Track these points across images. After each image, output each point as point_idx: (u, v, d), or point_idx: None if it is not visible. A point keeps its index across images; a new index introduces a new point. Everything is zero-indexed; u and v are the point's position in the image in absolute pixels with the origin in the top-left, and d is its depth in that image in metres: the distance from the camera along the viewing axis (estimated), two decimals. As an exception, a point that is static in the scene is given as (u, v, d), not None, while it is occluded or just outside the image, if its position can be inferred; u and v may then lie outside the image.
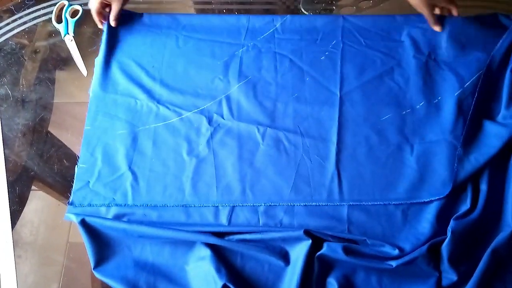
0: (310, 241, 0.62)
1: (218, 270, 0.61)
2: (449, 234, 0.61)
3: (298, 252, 0.63)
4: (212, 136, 0.73)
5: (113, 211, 0.69)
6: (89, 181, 0.71)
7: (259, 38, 0.81)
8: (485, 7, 0.83)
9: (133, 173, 0.71)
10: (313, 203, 0.68)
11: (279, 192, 0.69)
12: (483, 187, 0.65)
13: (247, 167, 0.71)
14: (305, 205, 0.68)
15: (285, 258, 0.64)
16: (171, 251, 0.66)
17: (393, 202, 0.67)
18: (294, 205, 0.68)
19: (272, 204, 0.68)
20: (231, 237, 0.65)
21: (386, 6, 0.87)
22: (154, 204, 0.69)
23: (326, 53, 0.79)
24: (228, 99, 0.76)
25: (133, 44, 0.82)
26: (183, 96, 0.77)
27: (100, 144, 0.74)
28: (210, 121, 0.75)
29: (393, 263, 0.61)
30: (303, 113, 0.74)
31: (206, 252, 0.63)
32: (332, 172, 0.69)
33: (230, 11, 0.88)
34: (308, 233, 0.63)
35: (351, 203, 0.67)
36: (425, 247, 0.61)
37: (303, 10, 0.87)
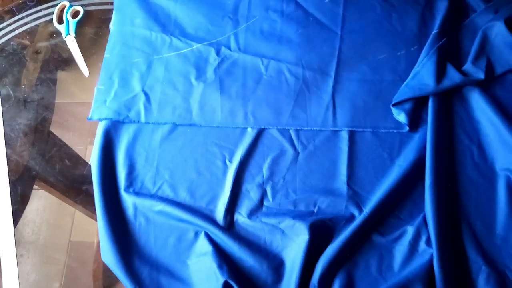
0: (307, 236, 0.62)
1: (220, 267, 0.62)
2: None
3: (296, 250, 0.63)
4: (219, 65, 0.79)
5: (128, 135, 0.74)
6: (106, 100, 0.77)
7: None
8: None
9: (146, 95, 0.78)
10: (308, 128, 0.73)
11: (278, 117, 0.74)
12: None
13: (249, 94, 0.77)
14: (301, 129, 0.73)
15: (282, 255, 0.65)
16: (174, 245, 0.67)
17: (381, 130, 0.72)
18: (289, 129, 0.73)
19: (271, 127, 0.73)
20: (229, 234, 0.66)
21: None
22: (164, 121, 0.75)
23: None
24: (236, 35, 0.82)
25: None
26: (195, 31, 0.83)
27: (117, 69, 0.81)
28: (218, 52, 0.81)
29: (384, 238, 0.64)
30: (305, 47, 0.80)
31: (209, 248, 0.64)
32: (328, 101, 0.75)
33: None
34: (310, 226, 0.63)
35: (343, 129, 0.72)
36: (412, 227, 0.63)
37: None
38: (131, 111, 0.76)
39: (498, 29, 0.74)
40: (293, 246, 0.64)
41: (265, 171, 0.71)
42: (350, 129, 0.72)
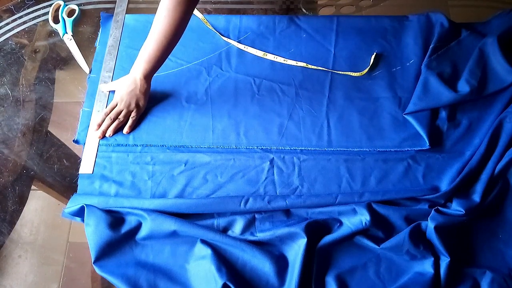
0: (305, 239, 0.62)
1: (218, 269, 0.61)
2: (431, 225, 0.62)
3: (296, 251, 0.63)
4: (210, 85, 0.78)
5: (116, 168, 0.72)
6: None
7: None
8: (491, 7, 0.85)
9: None
10: (302, 148, 0.72)
11: (271, 137, 0.73)
12: (476, 197, 0.66)
13: (242, 115, 0.76)
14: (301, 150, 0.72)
15: (283, 259, 0.64)
16: (172, 250, 0.66)
17: (378, 149, 0.71)
18: (284, 149, 0.72)
19: (264, 147, 0.72)
20: (229, 233, 0.66)
21: (387, 4, 0.88)
22: (153, 144, 0.73)
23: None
24: (227, 52, 0.81)
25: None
26: (185, 49, 0.81)
27: None
28: (209, 72, 0.80)
29: (380, 245, 0.63)
30: (298, 67, 0.79)
31: (207, 251, 0.63)
32: (322, 121, 0.74)
33: (230, 11, 0.88)
34: (305, 228, 0.63)
35: (338, 149, 0.71)
36: (407, 231, 0.62)
37: (303, 10, 0.88)
38: (118, 134, 0.75)
39: (492, 47, 0.74)
40: (293, 249, 0.64)
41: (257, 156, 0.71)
42: (345, 149, 0.71)
